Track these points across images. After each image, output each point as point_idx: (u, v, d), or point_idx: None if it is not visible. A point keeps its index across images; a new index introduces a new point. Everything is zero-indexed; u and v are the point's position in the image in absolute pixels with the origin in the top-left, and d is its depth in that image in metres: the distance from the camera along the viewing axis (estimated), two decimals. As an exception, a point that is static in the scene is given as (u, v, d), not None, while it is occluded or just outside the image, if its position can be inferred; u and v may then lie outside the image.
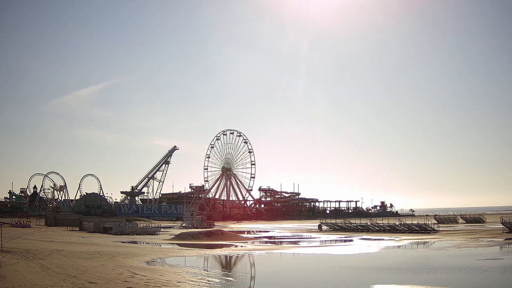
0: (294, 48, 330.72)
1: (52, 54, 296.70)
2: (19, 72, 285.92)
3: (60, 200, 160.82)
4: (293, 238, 61.97)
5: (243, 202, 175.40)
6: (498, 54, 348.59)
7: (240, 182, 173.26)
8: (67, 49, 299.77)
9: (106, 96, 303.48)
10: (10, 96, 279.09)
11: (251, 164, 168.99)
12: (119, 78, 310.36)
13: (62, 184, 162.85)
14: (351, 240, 54.83)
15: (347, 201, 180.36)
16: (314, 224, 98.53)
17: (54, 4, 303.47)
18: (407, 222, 72.82)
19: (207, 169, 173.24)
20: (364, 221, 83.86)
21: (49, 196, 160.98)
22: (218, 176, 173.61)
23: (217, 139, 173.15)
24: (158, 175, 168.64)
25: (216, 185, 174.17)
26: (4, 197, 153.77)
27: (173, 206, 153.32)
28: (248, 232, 79.28)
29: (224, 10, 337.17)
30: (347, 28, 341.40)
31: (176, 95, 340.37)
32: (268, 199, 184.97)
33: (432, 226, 70.59)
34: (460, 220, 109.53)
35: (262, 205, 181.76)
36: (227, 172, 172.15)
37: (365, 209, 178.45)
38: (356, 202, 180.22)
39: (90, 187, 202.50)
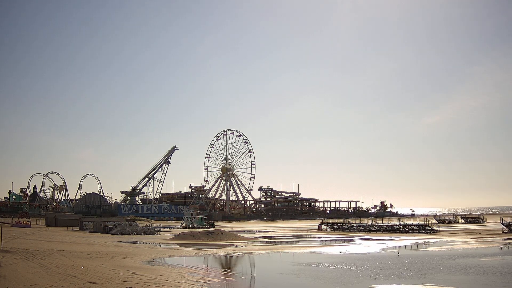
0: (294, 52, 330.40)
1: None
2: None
3: (60, 200, 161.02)
4: (293, 238, 62.01)
5: (243, 202, 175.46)
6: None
7: (240, 182, 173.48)
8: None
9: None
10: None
11: (251, 164, 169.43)
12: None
13: (62, 184, 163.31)
14: (351, 240, 54.83)
15: (347, 201, 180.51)
16: (314, 224, 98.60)
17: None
18: (407, 222, 72.85)
19: (207, 169, 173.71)
20: (364, 221, 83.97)
21: (49, 196, 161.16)
22: (218, 176, 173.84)
23: (217, 139, 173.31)
24: (158, 175, 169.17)
25: (216, 185, 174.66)
26: (4, 197, 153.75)
27: (173, 206, 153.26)
28: (248, 232, 79.22)
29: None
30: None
31: (176, 94, 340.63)
32: (268, 199, 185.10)
33: (432, 226, 70.67)
34: (460, 220, 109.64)
35: (262, 205, 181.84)
36: (227, 172, 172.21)
37: (365, 209, 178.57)
38: (356, 202, 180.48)
39: (90, 187, 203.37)
